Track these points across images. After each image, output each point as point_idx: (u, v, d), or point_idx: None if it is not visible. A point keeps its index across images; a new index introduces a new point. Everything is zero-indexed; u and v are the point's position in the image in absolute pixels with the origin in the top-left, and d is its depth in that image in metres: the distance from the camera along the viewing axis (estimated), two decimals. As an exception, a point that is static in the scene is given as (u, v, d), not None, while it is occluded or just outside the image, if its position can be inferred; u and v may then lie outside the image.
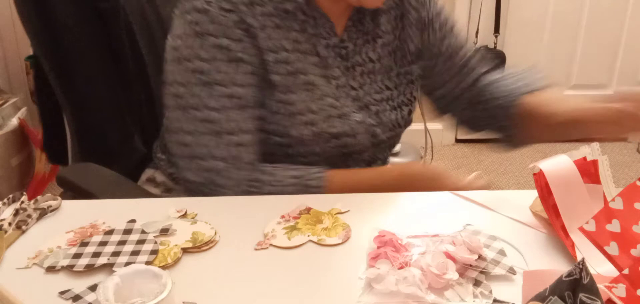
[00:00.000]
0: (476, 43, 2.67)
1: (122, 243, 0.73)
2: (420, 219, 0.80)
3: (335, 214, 0.81)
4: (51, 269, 0.69)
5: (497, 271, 0.68)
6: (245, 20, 0.86)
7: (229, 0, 0.86)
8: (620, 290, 0.60)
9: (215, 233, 0.75)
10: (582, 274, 0.53)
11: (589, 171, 0.77)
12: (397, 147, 2.10)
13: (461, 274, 0.67)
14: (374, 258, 0.69)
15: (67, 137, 1.12)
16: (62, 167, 1.06)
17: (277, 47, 0.89)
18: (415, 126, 1.29)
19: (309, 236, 0.76)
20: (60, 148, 1.17)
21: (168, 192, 1.05)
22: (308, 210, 0.82)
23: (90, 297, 0.64)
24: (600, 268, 0.67)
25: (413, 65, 1.03)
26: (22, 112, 2.15)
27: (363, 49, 0.97)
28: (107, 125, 1.07)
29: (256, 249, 0.73)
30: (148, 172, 1.10)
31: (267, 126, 0.92)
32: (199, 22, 0.85)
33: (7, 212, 0.78)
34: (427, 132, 2.43)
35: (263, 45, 0.88)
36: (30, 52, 2.15)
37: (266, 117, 0.92)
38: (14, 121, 2.10)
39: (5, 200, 0.80)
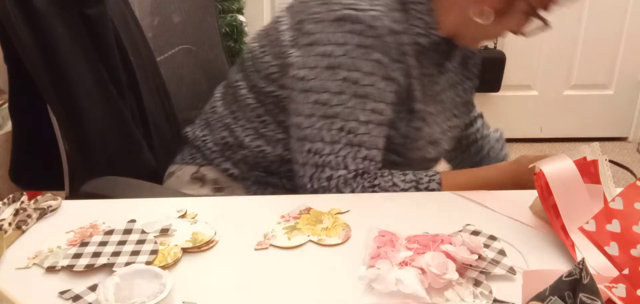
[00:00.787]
0: (476, 43, 2.67)
1: (122, 243, 0.73)
2: (420, 219, 0.80)
3: (335, 214, 0.81)
4: (51, 269, 0.68)
5: (497, 271, 0.68)
6: (404, 45, 0.89)
7: (394, 22, 0.88)
8: (620, 290, 0.60)
9: (215, 233, 0.75)
10: (582, 274, 0.53)
11: (589, 171, 0.77)
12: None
13: (461, 274, 0.67)
14: (374, 258, 0.69)
15: (62, 156, 1.08)
16: (87, 182, 1.00)
17: (417, 75, 0.93)
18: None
19: (309, 236, 0.76)
20: (40, 172, 1.14)
21: (218, 191, 1.02)
22: (308, 210, 0.82)
23: (90, 297, 0.64)
24: (600, 268, 0.67)
25: (472, 96, 1.10)
26: (22, 112, 2.14)
27: (438, 79, 1.00)
28: (109, 136, 1.05)
29: (256, 249, 0.73)
30: (189, 169, 1.05)
31: (390, 144, 0.95)
32: (365, 35, 0.86)
33: (7, 212, 0.78)
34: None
35: (412, 73, 0.92)
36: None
37: (393, 138, 0.95)
38: (14, 121, 2.09)
39: (5, 200, 0.80)
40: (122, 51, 1.06)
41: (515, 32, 0.97)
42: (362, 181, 0.90)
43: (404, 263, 0.67)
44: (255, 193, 0.99)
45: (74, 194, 1.06)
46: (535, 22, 0.94)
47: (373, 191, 0.90)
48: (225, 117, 1.02)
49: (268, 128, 0.97)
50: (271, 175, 0.99)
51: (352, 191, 0.89)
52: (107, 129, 1.04)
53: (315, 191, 0.89)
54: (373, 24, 0.87)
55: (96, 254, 0.70)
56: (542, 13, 0.92)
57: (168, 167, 1.12)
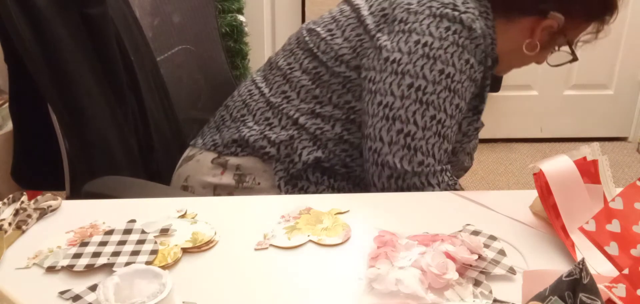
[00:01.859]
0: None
1: (122, 243, 0.73)
2: (420, 219, 0.80)
3: (335, 214, 0.81)
4: (51, 269, 0.69)
5: (497, 271, 0.68)
6: (487, 47, 0.97)
7: (483, 26, 0.96)
8: (620, 290, 0.60)
9: (215, 233, 0.75)
10: (582, 274, 0.53)
11: (589, 171, 0.77)
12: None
13: (461, 274, 0.67)
14: (374, 258, 0.69)
15: (63, 156, 1.08)
16: (89, 182, 0.99)
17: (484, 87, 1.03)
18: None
19: (309, 236, 0.76)
20: (41, 172, 1.14)
21: (240, 178, 1.02)
22: (308, 210, 0.82)
23: (90, 297, 0.64)
24: (600, 268, 0.67)
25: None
26: (22, 112, 2.14)
27: None
28: (110, 136, 1.04)
29: (256, 249, 0.73)
30: (210, 154, 1.06)
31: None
32: (460, 35, 0.94)
33: (7, 212, 0.78)
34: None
35: (486, 75, 1.00)
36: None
37: (460, 139, 1.03)
38: (14, 121, 2.09)
39: (5, 200, 0.80)
40: (123, 51, 1.06)
41: (539, 63, 1.08)
42: (443, 176, 0.94)
43: (404, 263, 0.67)
44: (278, 183, 1.00)
45: (75, 194, 1.06)
46: (563, 56, 1.06)
47: (445, 188, 0.95)
48: (272, 97, 1.04)
49: (324, 109, 1.00)
50: (309, 170, 1.01)
51: (437, 185, 0.93)
52: (108, 128, 1.03)
53: (404, 172, 0.92)
54: (471, 26, 0.94)
55: (96, 254, 0.70)
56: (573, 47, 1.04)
57: (187, 150, 1.12)
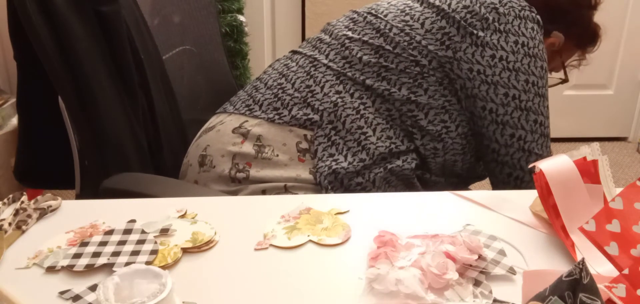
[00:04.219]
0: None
1: (122, 243, 0.73)
2: (420, 219, 0.80)
3: (335, 214, 0.81)
4: (51, 269, 0.69)
5: (497, 271, 0.68)
6: None
7: None
8: (620, 290, 0.60)
9: (215, 233, 0.75)
10: (582, 274, 0.53)
11: (589, 171, 0.77)
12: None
13: (461, 274, 0.67)
14: (374, 258, 0.69)
15: (74, 154, 1.09)
16: (108, 178, 0.99)
17: None
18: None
19: (309, 236, 0.76)
20: (48, 170, 1.14)
21: (259, 149, 1.03)
22: (308, 210, 0.82)
23: (90, 297, 0.64)
24: (600, 268, 0.67)
25: None
26: (22, 112, 2.14)
27: None
28: (121, 133, 1.05)
29: (256, 249, 0.73)
30: (232, 123, 1.07)
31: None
32: (540, 34, 1.04)
33: (7, 212, 0.78)
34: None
35: None
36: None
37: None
38: (14, 121, 2.10)
39: (5, 200, 0.80)
40: (134, 50, 1.07)
41: None
42: None
43: (404, 263, 0.67)
44: (295, 162, 1.02)
45: (85, 191, 1.07)
46: (555, 80, 1.19)
47: None
48: (331, 63, 1.07)
49: (389, 72, 1.04)
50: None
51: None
52: (120, 125, 1.04)
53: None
54: (542, 27, 1.04)
55: (96, 254, 0.70)
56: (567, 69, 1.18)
57: (208, 122, 1.14)
